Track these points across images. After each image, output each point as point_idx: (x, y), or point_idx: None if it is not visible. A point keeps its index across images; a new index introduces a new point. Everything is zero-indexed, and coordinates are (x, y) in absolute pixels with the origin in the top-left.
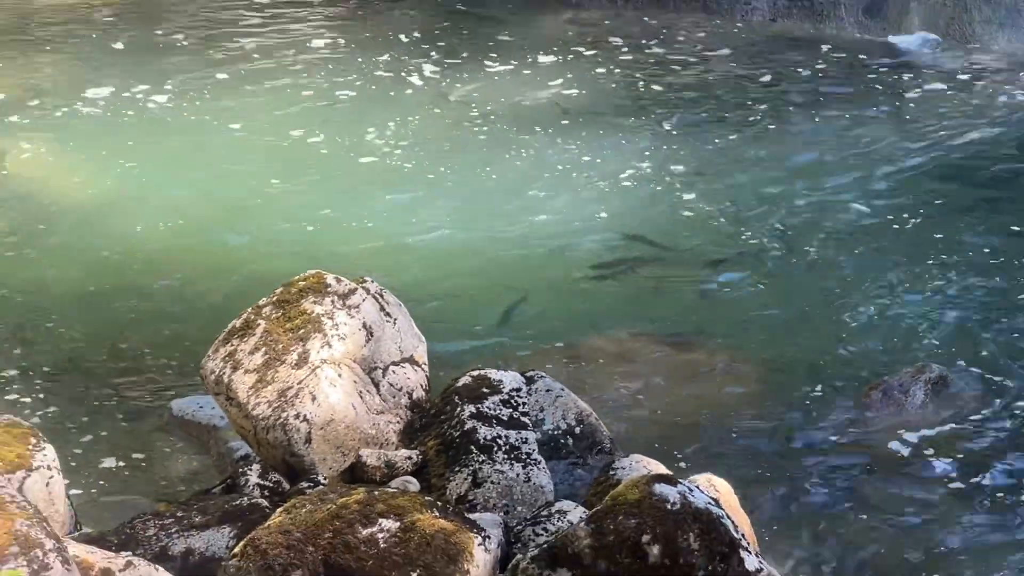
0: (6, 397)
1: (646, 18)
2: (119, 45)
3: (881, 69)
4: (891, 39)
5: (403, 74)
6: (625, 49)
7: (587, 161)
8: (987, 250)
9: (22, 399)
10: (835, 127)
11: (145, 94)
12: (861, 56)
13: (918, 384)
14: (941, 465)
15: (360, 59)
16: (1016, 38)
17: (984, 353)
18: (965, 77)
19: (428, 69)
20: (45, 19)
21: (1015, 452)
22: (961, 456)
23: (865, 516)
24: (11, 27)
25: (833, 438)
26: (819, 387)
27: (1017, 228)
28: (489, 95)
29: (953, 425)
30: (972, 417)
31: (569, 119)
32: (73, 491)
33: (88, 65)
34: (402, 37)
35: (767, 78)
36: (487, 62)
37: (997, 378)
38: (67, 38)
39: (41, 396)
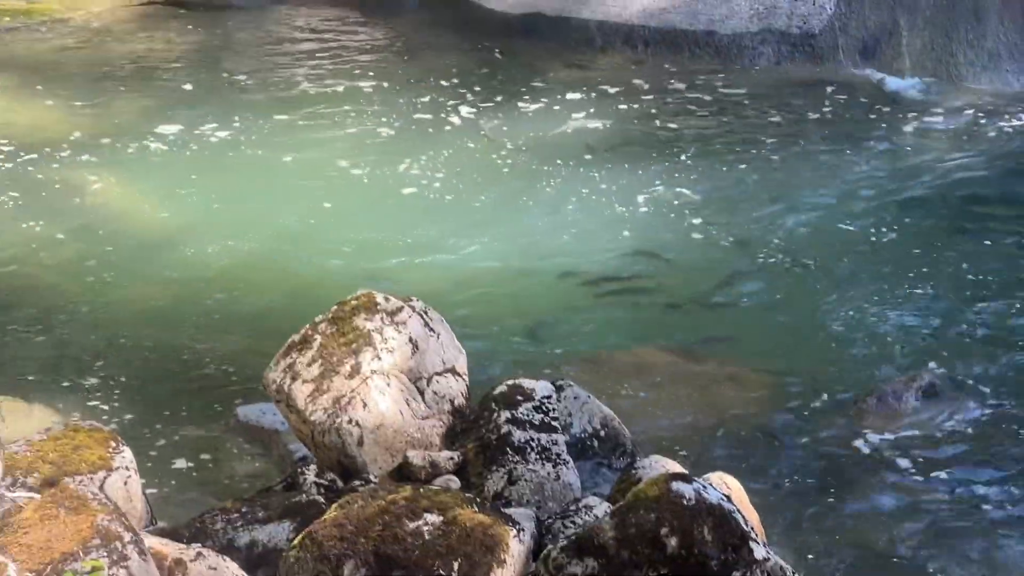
0: (88, 404)
1: (665, 64)
2: (188, 86)
3: (876, 106)
4: (885, 79)
5: (442, 114)
6: (647, 88)
7: (608, 189)
8: (974, 268)
9: (102, 407)
10: (835, 158)
11: (210, 130)
12: (858, 95)
13: (910, 391)
14: (931, 464)
15: (402, 99)
16: (997, 78)
17: (969, 362)
18: (952, 113)
19: (464, 109)
20: (123, 64)
21: (999, 452)
22: (949, 456)
23: (861, 510)
24: (92, 72)
25: (833, 440)
26: (819, 393)
27: (1002, 248)
28: (520, 131)
29: (941, 427)
30: (959, 420)
31: (593, 152)
32: (149, 489)
33: (160, 105)
34: (442, 81)
35: (773, 115)
36: (519, 102)
37: (981, 385)
38: (142, 81)
39: (119, 404)
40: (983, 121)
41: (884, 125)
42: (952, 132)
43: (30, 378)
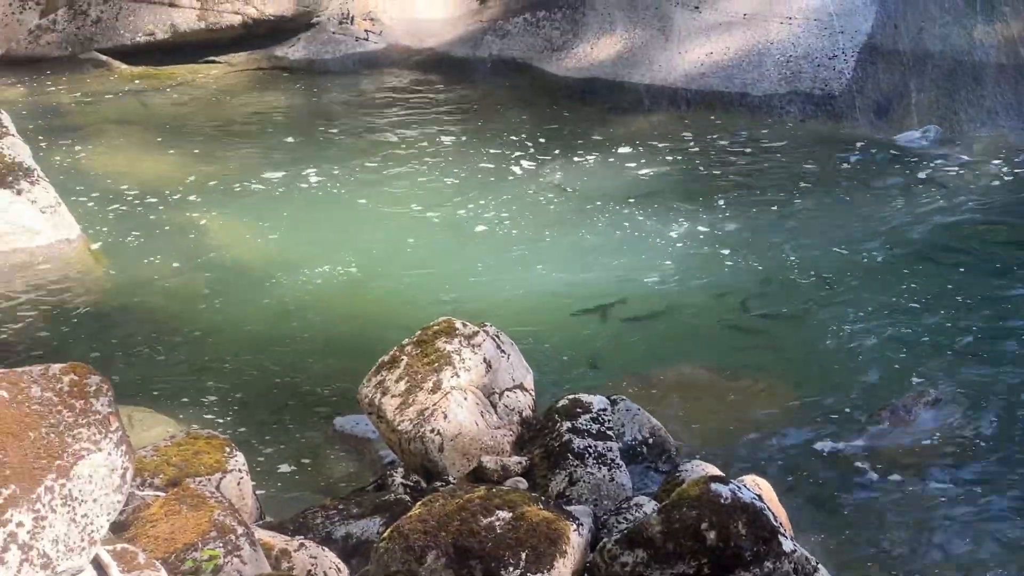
0: (206, 415)
1: (705, 121)
2: (290, 139)
3: (889, 157)
4: (896, 134)
5: (508, 164)
6: (688, 142)
7: (654, 229)
8: (980, 296)
9: (218, 419)
10: (853, 201)
11: (308, 176)
12: (873, 148)
13: (919, 405)
14: (939, 470)
15: (474, 151)
16: (994, 132)
17: (973, 380)
18: (956, 162)
19: (528, 160)
20: (234, 120)
21: (1000, 460)
22: (955, 463)
23: (877, 509)
24: (207, 127)
25: (851, 448)
26: (840, 406)
27: (1006, 278)
28: (577, 179)
29: (948, 438)
30: (963, 432)
31: (641, 197)
32: (258, 489)
33: (265, 154)
34: (510, 136)
35: (798, 165)
36: (577, 154)
37: (982, 400)
38: (250, 134)
39: (233, 415)
40: (983, 169)
41: (896, 173)
42: (957, 178)
43: (155, 392)
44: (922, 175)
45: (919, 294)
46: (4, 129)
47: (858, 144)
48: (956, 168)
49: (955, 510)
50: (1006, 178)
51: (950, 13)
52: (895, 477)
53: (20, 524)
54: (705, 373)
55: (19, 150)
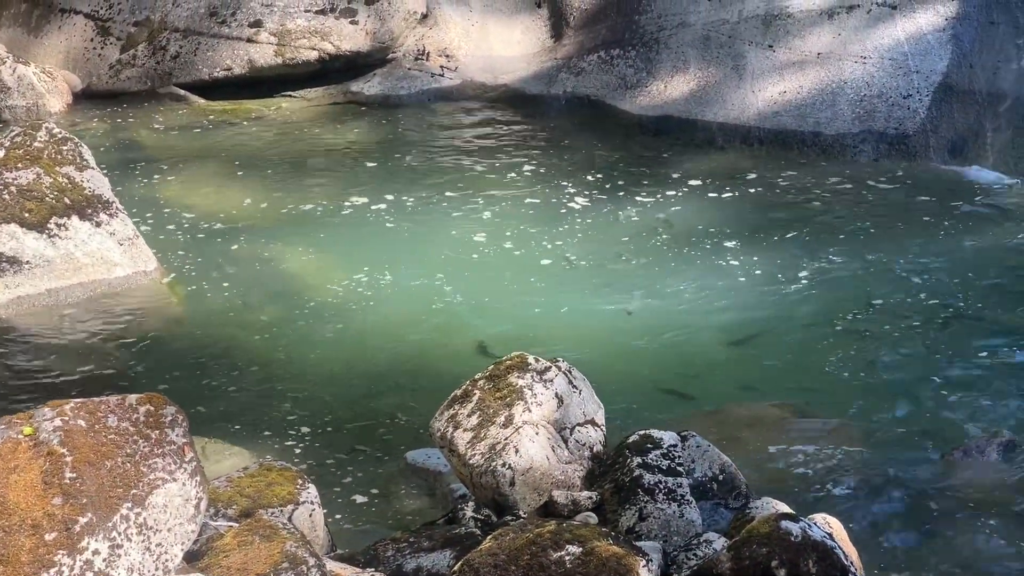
0: (278, 447)
1: (778, 159)
2: (365, 172)
3: (962, 197)
4: (971, 174)
5: (580, 197)
6: (761, 179)
7: (726, 264)
8: None
9: (291, 450)
10: (925, 241)
11: (382, 209)
12: (946, 187)
13: (992, 446)
14: (1011, 515)
15: (546, 184)
16: None
17: None
18: None
19: (600, 193)
20: (310, 151)
21: None
22: None
23: (949, 551)
24: (284, 159)
25: (924, 488)
26: (911, 447)
27: None
28: (648, 214)
29: (1022, 481)
30: None
31: (713, 233)
32: (330, 521)
33: (341, 185)
34: (581, 170)
35: (871, 204)
36: (648, 189)
37: None
38: (325, 167)
39: (305, 447)
40: None
41: (969, 214)
42: None
43: (229, 424)
44: (996, 217)
45: (995, 335)
46: (84, 162)
47: (932, 184)
48: None
49: None
50: None
51: None
52: (967, 519)
53: (96, 552)
54: (777, 411)
55: (98, 183)
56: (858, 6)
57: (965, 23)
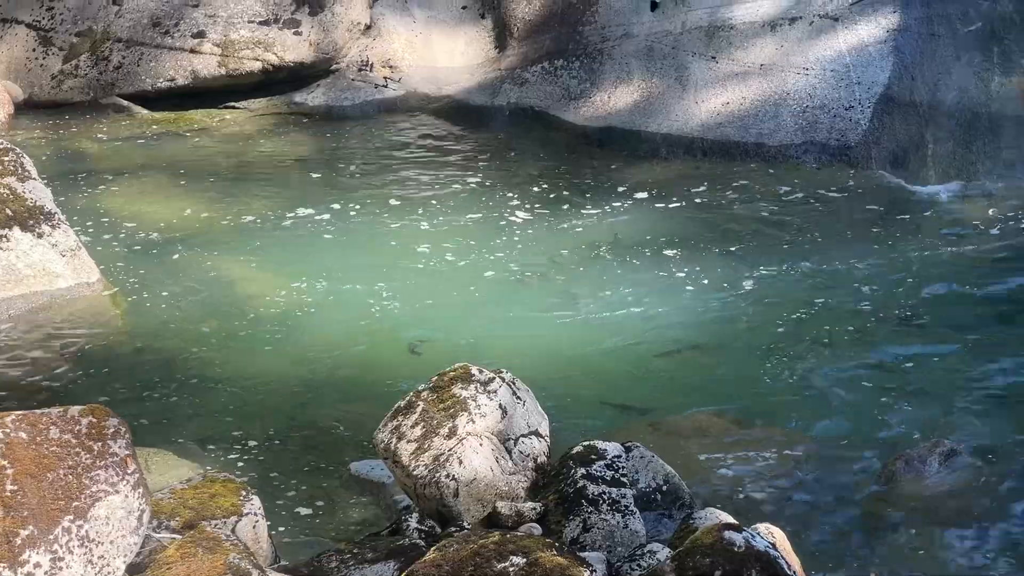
0: (222, 459)
1: (721, 169)
2: (308, 183)
3: (905, 207)
4: (913, 185)
5: (522, 210)
6: (704, 190)
7: (671, 275)
8: (999, 347)
9: (236, 462)
10: (868, 251)
11: (325, 221)
12: (889, 197)
13: (934, 455)
14: (950, 524)
15: (489, 197)
16: (1012, 184)
17: (989, 432)
18: (972, 214)
19: (542, 206)
20: (253, 163)
21: (1019, 515)
22: (968, 517)
23: (892, 562)
24: (228, 170)
25: (866, 498)
26: (853, 456)
27: (1017, 327)
28: (592, 225)
29: (961, 491)
30: (976, 485)
31: (658, 244)
32: (274, 532)
33: (283, 198)
34: (525, 181)
35: (814, 214)
36: (591, 201)
37: (998, 453)
38: (269, 178)
39: (249, 459)
40: (1000, 220)
41: (911, 223)
42: (971, 229)
43: (172, 435)
44: (937, 226)
45: (938, 343)
46: (26, 173)
47: (874, 195)
48: (973, 219)
49: (967, 563)
50: (1017, 227)
51: (967, 65)
52: (909, 528)
53: (38, 565)
54: (721, 421)
55: (40, 193)
56: (800, 18)
57: (906, 35)
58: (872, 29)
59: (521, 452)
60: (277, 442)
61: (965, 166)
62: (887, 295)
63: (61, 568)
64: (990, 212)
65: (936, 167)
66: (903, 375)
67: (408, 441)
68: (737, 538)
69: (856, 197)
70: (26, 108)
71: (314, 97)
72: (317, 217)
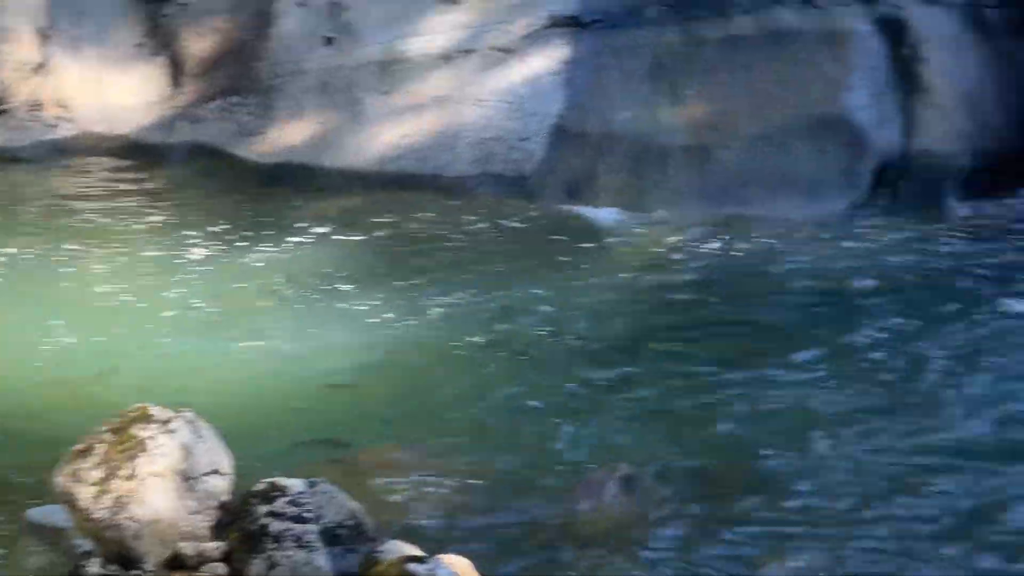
0: None
1: (399, 202)
2: None
3: (579, 234)
4: (587, 213)
5: (199, 248)
6: (383, 223)
7: (352, 308)
8: (664, 368)
9: None
10: (544, 275)
11: (5, 258)
12: (564, 225)
13: (612, 480)
14: (636, 545)
15: (167, 237)
16: (679, 211)
17: (663, 454)
18: (642, 238)
19: (218, 244)
20: None
21: (679, 535)
22: (643, 537)
23: None
24: None
25: (548, 523)
26: (534, 483)
27: (693, 346)
28: (273, 262)
29: (637, 513)
30: (657, 505)
31: (334, 278)
32: None
33: None
34: (203, 221)
35: (494, 242)
36: (271, 238)
37: (671, 473)
38: None
39: None
40: (671, 246)
41: (588, 251)
42: (643, 256)
43: None
44: (610, 251)
45: (616, 367)
46: None
47: (551, 223)
48: (643, 244)
49: None
50: (691, 251)
51: (635, 96)
52: (591, 553)
53: None
54: (408, 452)
55: None
56: (474, 50)
57: (578, 67)
58: (545, 61)
59: (204, 491)
60: None
61: (637, 194)
62: (565, 321)
63: None
64: (662, 239)
65: (610, 196)
66: (581, 401)
67: (88, 484)
68: (420, 569)
69: (535, 226)
70: None
71: None
72: None
